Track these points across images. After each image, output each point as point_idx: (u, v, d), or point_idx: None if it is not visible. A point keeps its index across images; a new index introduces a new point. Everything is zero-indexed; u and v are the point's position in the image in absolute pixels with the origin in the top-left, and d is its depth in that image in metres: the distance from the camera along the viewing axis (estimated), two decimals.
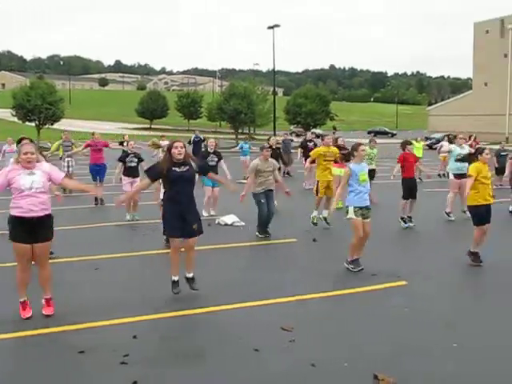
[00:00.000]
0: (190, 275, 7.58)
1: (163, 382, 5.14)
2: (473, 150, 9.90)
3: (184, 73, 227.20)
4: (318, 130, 60.97)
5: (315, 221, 12.31)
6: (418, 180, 18.61)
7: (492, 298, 7.71)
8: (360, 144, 8.93)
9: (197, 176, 7.94)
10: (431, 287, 8.06)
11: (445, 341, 6.02)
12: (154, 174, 7.45)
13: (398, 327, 6.47)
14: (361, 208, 8.66)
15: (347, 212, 8.71)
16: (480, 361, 5.57)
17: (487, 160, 9.21)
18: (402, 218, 12.60)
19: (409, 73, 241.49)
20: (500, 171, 19.49)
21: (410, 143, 13.16)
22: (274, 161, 11.55)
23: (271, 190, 11.44)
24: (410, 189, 12.72)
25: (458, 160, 12.41)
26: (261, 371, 5.30)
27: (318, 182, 12.62)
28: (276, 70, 56.50)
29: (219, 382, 5.12)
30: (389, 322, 6.63)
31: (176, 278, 7.46)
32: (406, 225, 12.48)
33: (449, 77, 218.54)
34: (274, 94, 58.09)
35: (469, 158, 9.66)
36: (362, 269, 8.68)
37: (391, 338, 6.14)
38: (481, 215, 9.13)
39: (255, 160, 11.44)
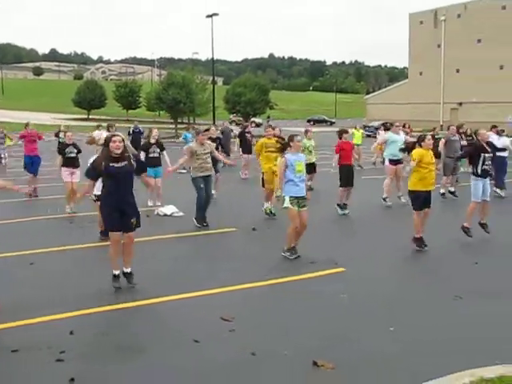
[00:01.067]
0: (128, 270, 7.49)
1: (101, 377, 5.05)
2: (409, 137, 10.15)
3: (122, 62, 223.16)
4: (257, 119, 61.13)
5: (268, 211, 12.23)
6: (357, 168, 18.85)
7: (428, 283, 7.92)
8: (295, 135, 9.06)
9: None
10: (368, 273, 8.20)
11: (382, 326, 6.15)
12: (93, 174, 7.40)
13: (336, 314, 6.55)
14: (297, 198, 8.75)
15: (283, 201, 8.82)
16: (416, 345, 5.72)
17: (430, 146, 9.55)
18: (338, 205, 12.77)
19: (347, 62, 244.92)
20: (436, 155, 20.05)
21: (347, 132, 13.31)
22: (209, 142, 11.68)
23: (209, 176, 11.51)
24: (347, 176, 12.87)
25: (401, 150, 12.74)
26: (201, 362, 5.27)
27: (262, 173, 12.54)
28: (215, 58, 56.28)
29: (159, 375, 5.06)
30: (327, 309, 6.71)
31: (117, 272, 7.36)
32: (343, 211, 12.66)
33: (386, 66, 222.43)
34: (214, 83, 57.87)
35: (411, 146, 9.92)
36: (299, 256, 8.78)
37: (330, 324, 6.22)
38: (421, 201, 9.42)
39: (192, 143, 11.65)
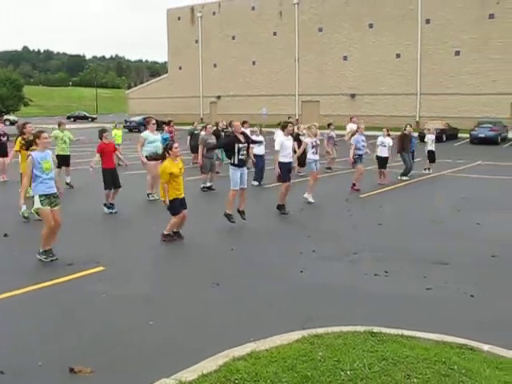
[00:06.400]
0: None
1: None
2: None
3: None
4: (12, 117, 57.52)
5: (26, 214, 11.24)
6: (122, 164, 18.63)
7: (187, 274, 8.08)
8: (42, 131, 8.64)
9: None
10: (129, 270, 8.12)
11: (142, 321, 6.09)
12: None
13: (96, 315, 6.35)
14: (47, 196, 8.37)
15: (34, 202, 8.40)
16: (175, 336, 5.77)
17: (177, 153, 9.65)
18: (105, 204, 12.41)
19: (107, 56, 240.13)
20: (194, 149, 20.56)
21: (106, 131, 12.87)
22: None
23: None
24: (111, 179, 12.45)
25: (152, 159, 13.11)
26: None
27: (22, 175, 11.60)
28: None
29: None
30: (87, 311, 6.47)
31: None
32: (110, 210, 12.34)
33: (147, 60, 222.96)
34: None
35: (161, 155, 10.03)
36: (56, 259, 8.42)
37: (89, 327, 6.00)
38: (177, 207, 9.59)
39: None
